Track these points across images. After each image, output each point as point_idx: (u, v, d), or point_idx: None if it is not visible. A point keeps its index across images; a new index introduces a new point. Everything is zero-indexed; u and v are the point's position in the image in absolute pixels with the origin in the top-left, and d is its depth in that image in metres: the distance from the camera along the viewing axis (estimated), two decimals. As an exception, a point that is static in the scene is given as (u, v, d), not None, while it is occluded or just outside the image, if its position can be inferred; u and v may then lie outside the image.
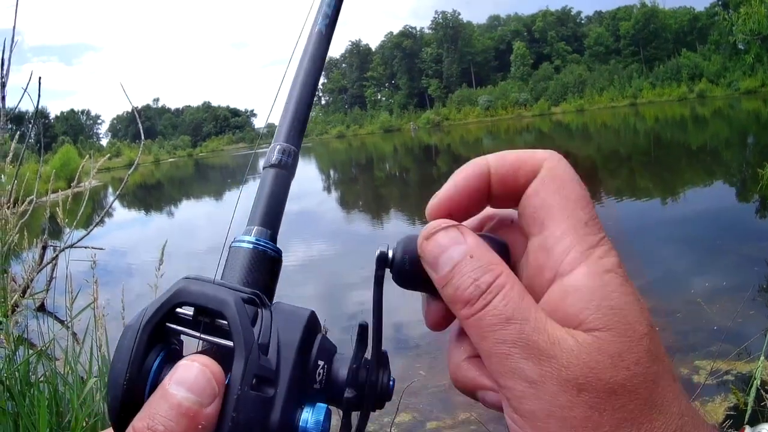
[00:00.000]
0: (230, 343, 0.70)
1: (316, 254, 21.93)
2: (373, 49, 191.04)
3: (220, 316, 0.71)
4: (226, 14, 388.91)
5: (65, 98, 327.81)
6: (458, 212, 0.84)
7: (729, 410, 7.84)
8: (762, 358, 5.19)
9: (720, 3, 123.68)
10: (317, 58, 1.06)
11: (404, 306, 14.88)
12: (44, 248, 8.47)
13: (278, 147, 0.95)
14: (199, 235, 27.95)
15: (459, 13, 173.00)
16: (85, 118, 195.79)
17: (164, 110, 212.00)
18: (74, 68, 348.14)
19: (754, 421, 5.73)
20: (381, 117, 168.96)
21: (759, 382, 5.04)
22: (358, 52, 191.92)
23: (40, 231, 7.86)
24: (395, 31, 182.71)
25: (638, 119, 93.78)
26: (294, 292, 17.08)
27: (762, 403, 5.82)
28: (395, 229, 27.25)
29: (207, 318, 0.73)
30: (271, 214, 0.90)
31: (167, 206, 51.72)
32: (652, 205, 25.05)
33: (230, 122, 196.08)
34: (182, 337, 0.75)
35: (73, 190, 6.12)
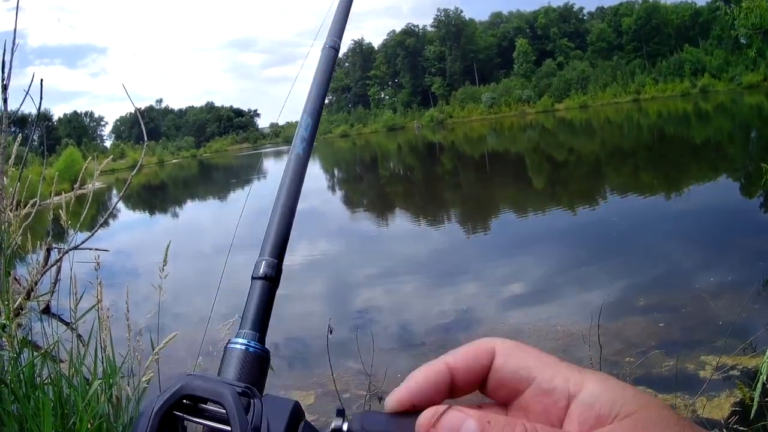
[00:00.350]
0: (228, 428, 0.81)
1: (321, 253, 21.91)
2: (376, 48, 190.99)
3: (219, 406, 0.83)
4: (230, 14, 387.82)
5: (69, 101, 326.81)
6: (420, 404, 0.89)
7: (735, 405, 7.83)
8: (767, 354, 5.17)
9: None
10: (299, 175, 1.31)
11: (410, 304, 14.91)
12: (48, 250, 8.48)
13: (264, 261, 1.11)
14: (204, 236, 28.01)
15: (461, 11, 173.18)
16: (88, 120, 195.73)
17: (168, 111, 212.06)
18: (78, 71, 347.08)
19: (760, 417, 5.74)
20: (385, 115, 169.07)
21: (765, 378, 5.02)
22: (360, 51, 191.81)
23: (45, 233, 7.86)
24: (398, 30, 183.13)
25: (641, 115, 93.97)
26: (300, 291, 17.13)
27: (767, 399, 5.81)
28: (399, 228, 27.25)
29: (209, 406, 0.85)
30: (259, 320, 1.04)
31: (172, 207, 51.87)
32: (656, 200, 25.09)
33: (234, 122, 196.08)
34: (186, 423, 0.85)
35: (76, 192, 6.12)
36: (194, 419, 0.83)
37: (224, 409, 0.82)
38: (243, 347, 0.97)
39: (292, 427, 0.84)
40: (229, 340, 0.99)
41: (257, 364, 0.97)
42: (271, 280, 1.09)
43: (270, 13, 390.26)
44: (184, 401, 0.84)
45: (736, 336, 9.18)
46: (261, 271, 1.09)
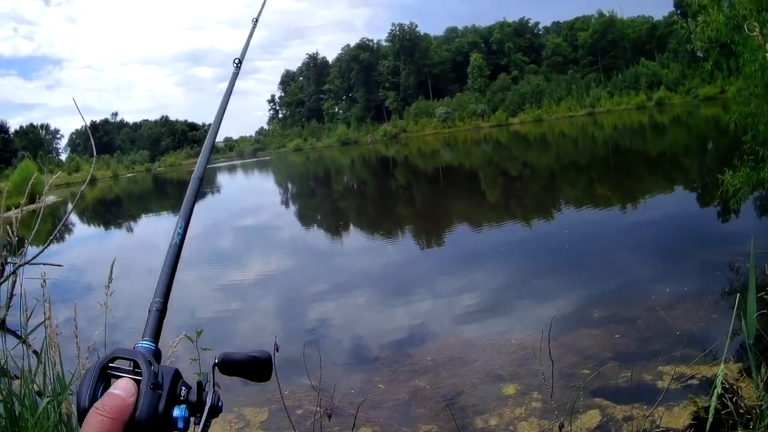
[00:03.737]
0: (140, 378, 1.36)
1: (273, 269, 21.91)
2: (330, 62, 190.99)
3: (134, 362, 1.40)
4: (182, 27, 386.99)
5: (25, 113, 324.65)
6: None
7: (694, 414, 7.87)
8: (722, 365, 5.19)
9: (678, 12, 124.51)
10: (173, 261, 1.79)
11: (363, 319, 14.90)
12: (2, 265, 8.39)
13: (158, 300, 1.66)
14: (157, 250, 27.92)
15: (416, 26, 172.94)
16: (44, 132, 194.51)
17: (123, 125, 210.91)
18: (33, 82, 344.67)
19: (717, 427, 5.76)
20: (338, 130, 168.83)
21: (720, 390, 5.04)
22: (315, 65, 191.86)
23: (1, 247, 7.79)
24: (352, 44, 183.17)
25: (596, 128, 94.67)
26: (252, 307, 17.14)
27: (726, 410, 5.82)
28: (352, 243, 27.27)
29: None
30: (155, 330, 1.59)
31: (126, 222, 51.56)
32: (611, 213, 25.35)
33: (188, 136, 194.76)
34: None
35: (25, 207, 6.04)
36: (120, 374, 1.38)
37: (138, 365, 1.38)
38: (148, 346, 1.53)
39: (175, 378, 1.42)
40: (142, 342, 1.54)
41: (154, 354, 1.51)
42: (160, 312, 1.64)
43: (221, 26, 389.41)
44: (114, 364, 1.40)
45: (694, 345, 9.25)
46: (155, 307, 1.64)
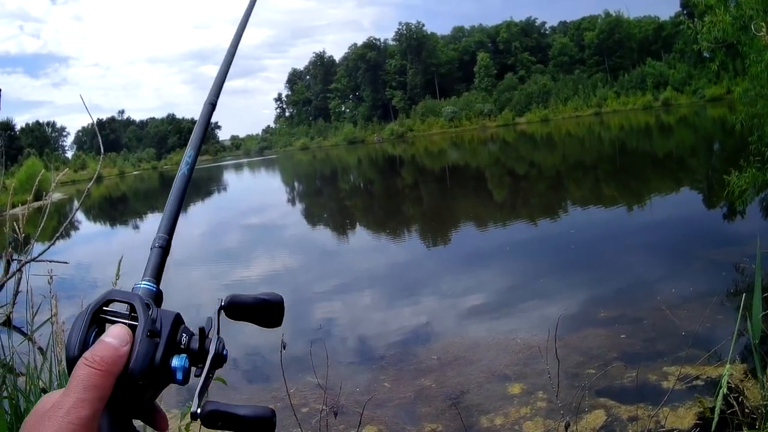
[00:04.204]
0: (136, 323, 1.23)
1: (280, 267, 21.88)
2: (337, 61, 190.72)
3: (131, 306, 1.26)
4: (189, 26, 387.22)
5: (31, 110, 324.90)
6: None
7: (699, 415, 7.84)
8: (727, 366, 5.17)
9: (685, 12, 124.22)
10: (184, 185, 1.70)
11: (369, 318, 14.86)
12: (9, 262, 8.39)
13: (160, 236, 1.52)
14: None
15: (423, 25, 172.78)
16: (50, 130, 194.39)
17: (129, 123, 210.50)
18: (40, 80, 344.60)
19: (722, 428, 5.75)
20: (345, 129, 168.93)
21: (725, 390, 5.02)
22: (322, 63, 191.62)
23: (6, 244, 7.79)
24: (359, 43, 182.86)
25: (603, 128, 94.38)
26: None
27: (731, 410, 5.81)
28: (359, 242, 27.21)
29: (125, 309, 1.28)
30: (157, 271, 1.45)
31: (132, 219, 51.55)
32: (618, 213, 25.24)
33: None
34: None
35: (32, 204, 6.05)
36: (114, 318, 1.25)
37: (134, 309, 1.25)
38: (147, 286, 1.38)
39: (176, 324, 1.29)
40: (141, 282, 1.40)
41: (155, 295, 1.37)
42: (163, 249, 1.50)
43: (228, 25, 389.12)
44: (108, 308, 1.27)
45: (699, 346, 9.23)
46: (158, 243, 1.50)
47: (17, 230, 5.96)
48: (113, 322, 1.25)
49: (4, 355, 5.44)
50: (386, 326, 14.33)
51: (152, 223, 45.30)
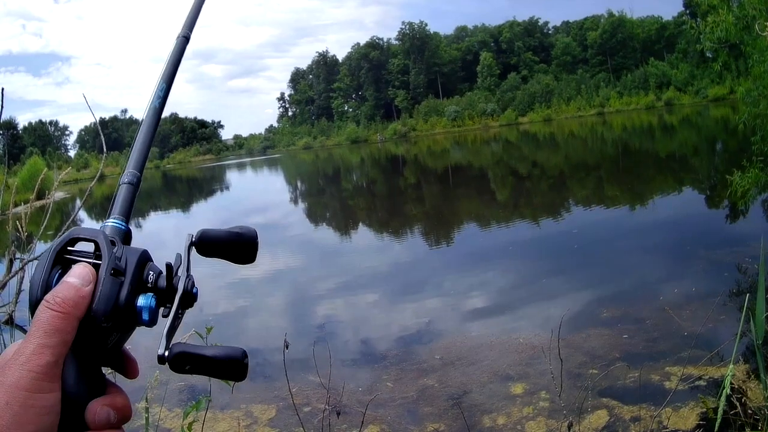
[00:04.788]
0: (99, 262, 1.18)
1: (282, 266, 21.83)
2: (340, 60, 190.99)
3: (95, 243, 1.21)
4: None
5: (34, 109, 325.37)
6: None
7: (701, 415, 7.83)
8: (731, 366, 5.16)
9: (688, 12, 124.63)
10: (156, 117, 1.61)
11: (371, 318, 14.87)
12: (11, 261, 8.40)
13: (129, 172, 1.48)
14: (165, 247, 27.80)
15: (426, 24, 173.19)
16: (53, 129, 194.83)
17: (132, 121, 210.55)
18: (42, 79, 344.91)
19: (725, 428, 5.75)
20: (348, 128, 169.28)
21: (728, 391, 5.02)
22: (325, 63, 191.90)
23: (9, 243, 7.79)
24: (362, 42, 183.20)
25: (606, 128, 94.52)
26: (262, 304, 17.10)
27: (734, 411, 5.81)
28: (362, 241, 27.19)
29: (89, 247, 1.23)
30: (127, 209, 1.40)
31: (134, 218, 51.47)
32: (620, 213, 25.21)
33: (197, 134, 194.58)
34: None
35: (34, 203, 6.04)
36: (78, 258, 1.20)
37: (98, 247, 1.20)
38: (114, 223, 1.33)
39: (142, 260, 1.23)
40: (108, 219, 1.35)
41: (123, 233, 1.32)
42: (133, 185, 1.46)
43: (231, 24, 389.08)
44: (74, 248, 1.22)
45: (702, 347, 9.23)
46: (127, 179, 1.45)
47: (20, 229, 5.96)
48: (77, 262, 1.20)
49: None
50: (389, 326, 14.31)
51: (155, 222, 45.42)
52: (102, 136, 7.36)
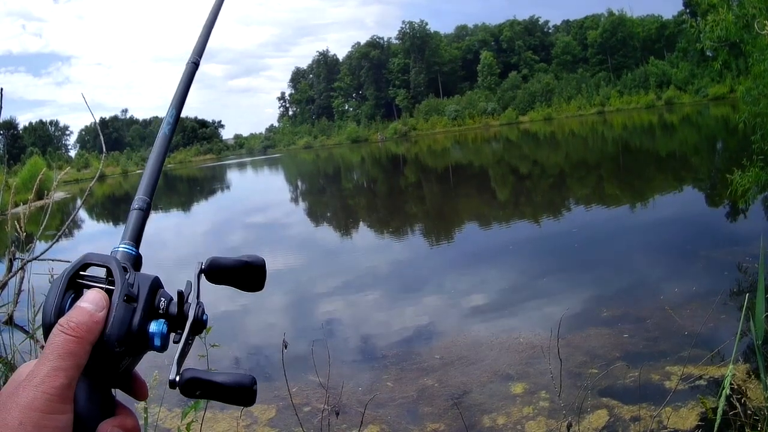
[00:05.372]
0: (113, 288, 1.19)
1: (282, 266, 21.82)
2: (341, 60, 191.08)
3: (108, 269, 1.22)
4: (191, 24, 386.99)
5: (34, 109, 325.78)
6: None
7: (701, 415, 7.83)
8: (731, 365, 5.16)
9: (688, 11, 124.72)
10: (165, 145, 1.62)
11: (371, 317, 14.85)
12: (11, 261, 8.39)
13: (140, 198, 1.50)
14: (166, 247, 27.72)
15: (426, 23, 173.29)
16: (53, 129, 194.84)
17: (132, 121, 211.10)
18: (42, 79, 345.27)
19: (725, 428, 5.74)
20: (348, 127, 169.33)
21: (728, 391, 5.01)
22: (325, 62, 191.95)
23: (9, 243, 7.79)
24: (362, 42, 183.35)
25: (606, 127, 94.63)
26: (261, 304, 17.09)
27: (733, 411, 5.80)
28: (362, 241, 27.18)
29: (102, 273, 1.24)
30: (136, 234, 1.42)
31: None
32: (620, 212, 25.22)
33: (198, 133, 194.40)
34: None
35: (34, 203, 6.04)
36: (90, 283, 1.22)
37: (111, 272, 1.21)
38: (126, 249, 1.35)
39: (154, 287, 1.25)
40: (118, 245, 1.38)
41: (134, 259, 1.35)
42: (143, 211, 1.48)
43: (231, 24, 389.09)
44: (86, 273, 1.23)
45: (702, 346, 9.23)
46: (137, 205, 1.48)
47: (19, 229, 5.96)
48: (90, 287, 1.21)
49: (6, 353, 5.44)
50: (388, 325, 14.31)
51: (155, 221, 45.33)
52: (102, 136, 7.36)
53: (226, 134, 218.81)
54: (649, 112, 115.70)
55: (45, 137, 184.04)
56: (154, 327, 1.20)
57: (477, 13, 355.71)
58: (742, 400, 5.97)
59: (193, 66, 1.86)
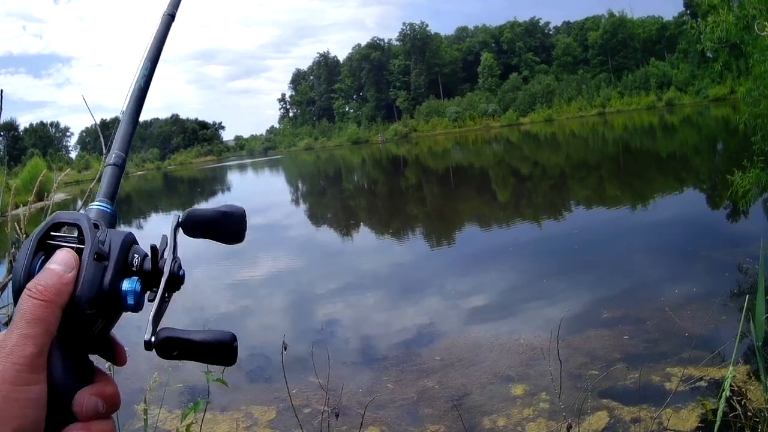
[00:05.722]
0: (83, 246, 1.15)
1: (283, 267, 21.82)
2: (341, 61, 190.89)
3: (78, 228, 1.18)
4: (192, 25, 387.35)
5: (35, 110, 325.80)
6: None
7: (701, 417, 7.83)
8: (731, 368, 5.16)
9: (688, 12, 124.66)
10: (141, 96, 1.61)
11: (371, 319, 14.85)
12: (11, 262, 8.40)
13: (115, 153, 1.48)
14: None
15: (426, 25, 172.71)
16: (54, 130, 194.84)
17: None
18: (43, 80, 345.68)
19: (724, 430, 5.74)
20: (349, 129, 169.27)
21: (728, 393, 5.01)
22: (326, 64, 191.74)
23: (9, 245, 7.77)
24: (363, 43, 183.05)
25: (607, 128, 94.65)
26: (261, 305, 17.09)
27: (733, 413, 5.80)
28: (362, 242, 27.17)
29: (72, 232, 1.19)
30: (111, 192, 1.40)
31: (136, 219, 51.55)
32: (621, 213, 25.21)
33: (198, 135, 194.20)
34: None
35: (34, 204, 6.04)
36: (61, 243, 1.17)
37: (81, 230, 1.17)
38: (100, 206, 1.32)
39: (126, 243, 1.20)
40: (93, 201, 1.35)
41: (109, 217, 1.31)
42: (118, 167, 1.46)
43: (231, 25, 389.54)
44: (58, 233, 1.19)
45: (702, 348, 9.24)
46: (112, 160, 1.46)
47: (19, 231, 5.95)
48: (61, 248, 1.16)
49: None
50: (389, 327, 14.31)
51: (156, 222, 45.39)
52: (102, 138, 7.35)
53: (227, 136, 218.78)
54: (649, 113, 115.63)
55: (45, 138, 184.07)
56: (126, 285, 1.16)
57: (477, 14, 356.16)
58: (743, 402, 5.99)
59: (169, 18, 1.80)
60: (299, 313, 16.78)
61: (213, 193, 65.58)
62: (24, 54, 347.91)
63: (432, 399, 9.90)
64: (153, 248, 1.22)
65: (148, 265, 1.21)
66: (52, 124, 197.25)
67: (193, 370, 10.04)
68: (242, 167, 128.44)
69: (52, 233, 1.18)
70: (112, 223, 1.31)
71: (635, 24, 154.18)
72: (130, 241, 1.22)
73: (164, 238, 1.28)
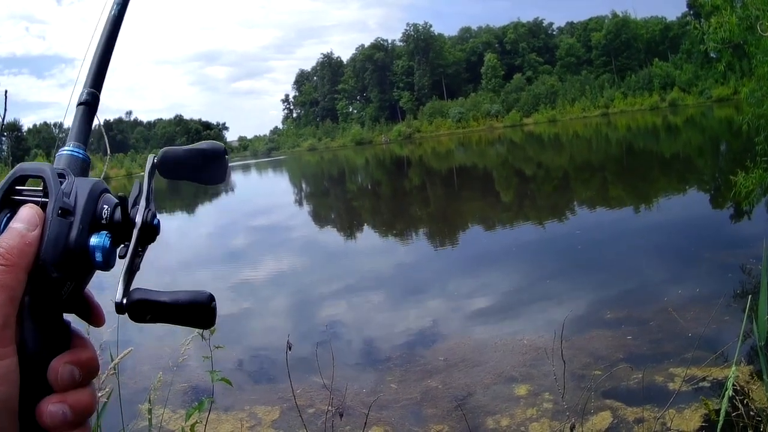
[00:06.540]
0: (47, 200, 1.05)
1: (287, 268, 21.80)
2: (345, 62, 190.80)
3: (42, 179, 1.08)
4: (195, 27, 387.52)
5: (38, 111, 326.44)
6: None
7: (704, 417, 7.83)
8: (734, 368, 5.16)
9: (691, 12, 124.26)
10: (116, 24, 1.54)
11: (375, 319, 14.84)
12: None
13: (86, 91, 1.38)
14: (169, 248, 27.66)
15: (430, 25, 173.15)
16: (57, 131, 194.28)
17: (137, 123, 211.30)
18: (46, 81, 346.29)
19: (727, 430, 5.74)
20: (353, 130, 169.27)
21: (731, 393, 5.01)
22: (329, 64, 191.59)
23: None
24: (366, 44, 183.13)
25: (610, 129, 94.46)
26: (266, 306, 17.10)
27: (736, 413, 5.80)
28: (366, 243, 27.14)
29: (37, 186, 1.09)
30: (84, 135, 1.35)
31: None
32: (624, 214, 25.19)
33: (202, 135, 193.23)
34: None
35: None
36: (27, 197, 1.07)
37: (44, 182, 1.07)
38: (70, 152, 1.25)
39: (94, 193, 1.10)
40: (64, 147, 1.27)
41: (80, 163, 1.25)
42: (90, 105, 1.38)
43: (235, 26, 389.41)
44: (24, 187, 1.09)
45: (705, 347, 9.23)
46: (83, 98, 1.37)
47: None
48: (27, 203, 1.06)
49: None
50: (392, 327, 14.30)
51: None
52: (106, 139, 7.36)
53: (230, 136, 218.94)
54: (653, 114, 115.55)
55: (49, 139, 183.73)
56: (94, 240, 1.05)
57: (481, 14, 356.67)
58: (745, 402, 5.97)
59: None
60: (303, 313, 16.76)
61: (216, 194, 65.50)
62: (27, 55, 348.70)
63: (436, 399, 9.90)
64: (122, 197, 1.12)
65: (118, 215, 1.11)
66: (55, 124, 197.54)
67: (197, 370, 10.06)
68: (246, 168, 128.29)
69: (17, 188, 1.09)
70: (84, 168, 1.25)
71: (638, 24, 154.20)
72: (99, 190, 1.13)
73: (137, 184, 1.19)
